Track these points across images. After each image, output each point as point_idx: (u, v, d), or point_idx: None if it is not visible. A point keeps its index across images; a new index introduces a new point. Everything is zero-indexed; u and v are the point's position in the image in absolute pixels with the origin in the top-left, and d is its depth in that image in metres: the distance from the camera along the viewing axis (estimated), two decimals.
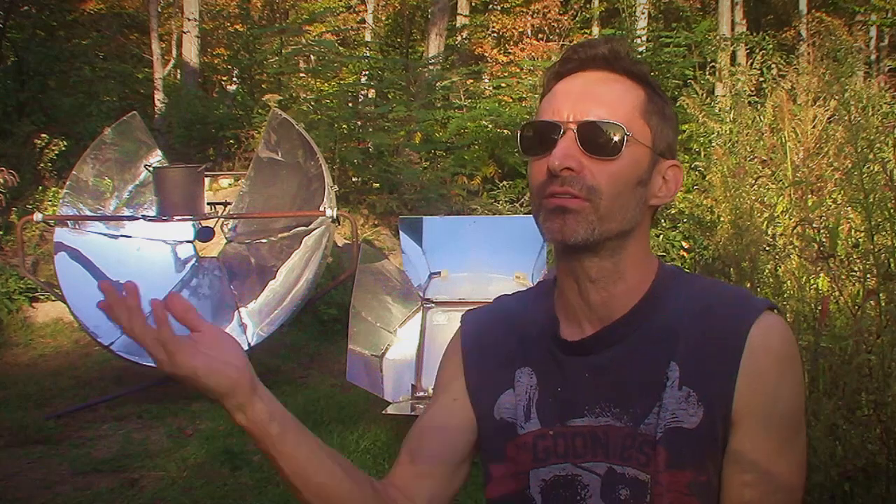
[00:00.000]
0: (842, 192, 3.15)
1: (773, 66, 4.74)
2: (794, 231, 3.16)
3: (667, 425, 0.87)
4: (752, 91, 5.46)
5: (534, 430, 0.94)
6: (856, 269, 2.58)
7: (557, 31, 16.12)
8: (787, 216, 3.56)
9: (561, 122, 0.89)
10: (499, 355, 1.00)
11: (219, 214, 5.39)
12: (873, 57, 13.21)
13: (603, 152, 0.88)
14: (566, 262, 0.94)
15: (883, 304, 2.28)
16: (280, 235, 5.34)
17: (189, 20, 12.18)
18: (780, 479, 0.87)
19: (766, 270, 3.37)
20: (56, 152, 7.42)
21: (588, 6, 16.99)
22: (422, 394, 4.06)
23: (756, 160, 3.94)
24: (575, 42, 1.03)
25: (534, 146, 0.91)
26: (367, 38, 15.89)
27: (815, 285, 2.96)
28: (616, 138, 0.88)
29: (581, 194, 0.87)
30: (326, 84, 11.78)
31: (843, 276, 2.61)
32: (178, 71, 14.71)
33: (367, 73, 12.57)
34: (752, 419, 0.87)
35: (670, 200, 0.98)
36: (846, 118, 2.71)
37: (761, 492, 0.87)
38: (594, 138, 0.88)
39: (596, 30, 16.22)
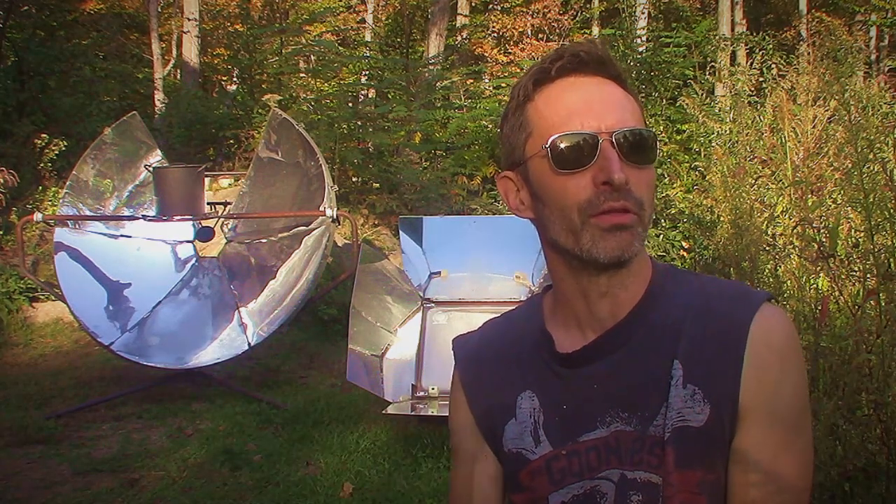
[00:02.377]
0: (842, 192, 3.15)
1: (773, 66, 4.73)
2: (794, 231, 3.16)
3: (674, 425, 0.86)
4: (752, 91, 5.46)
5: (545, 454, 0.92)
6: (856, 269, 2.58)
7: (557, 31, 16.13)
8: (787, 216, 3.56)
9: (597, 132, 0.85)
10: (497, 384, 0.98)
11: (219, 214, 5.38)
12: (873, 57, 13.21)
13: (643, 160, 0.86)
14: (579, 279, 0.91)
15: (883, 304, 2.28)
16: (280, 235, 5.34)
17: (189, 20, 12.19)
18: (785, 479, 0.86)
19: (766, 270, 3.37)
20: (56, 152, 7.42)
21: (588, 6, 17.00)
22: (422, 394, 4.06)
23: (756, 160, 3.94)
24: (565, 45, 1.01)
25: (571, 160, 0.86)
26: (367, 38, 15.89)
27: (815, 285, 2.97)
28: (651, 144, 0.87)
29: (634, 208, 0.85)
30: (326, 84, 11.77)
31: (843, 276, 2.61)
32: (178, 71, 14.72)
33: (367, 73, 12.57)
34: (755, 415, 0.86)
35: None
36: (846, 118, 2.70)
37: (766, 492, 0.85)
38: (635, 147, 0.86)
39: (596, 30, 16.23)
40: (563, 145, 0.86)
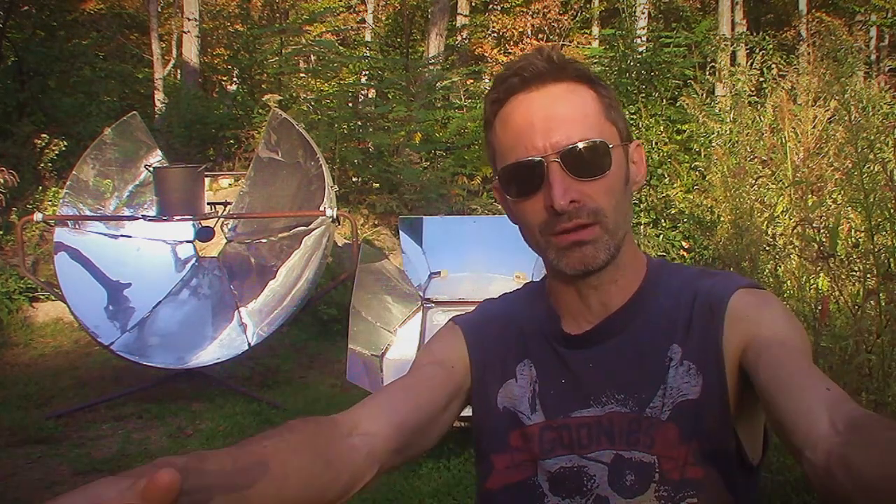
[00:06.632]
0: (842, 192, 3.15)
1: (773, 66, 4.74)
2: (794, 231, 3.16)
3: (674, 402, 0.88)
4: (752, 91, 5.46)
5: (539, 422, 0.94)
6: (856, 269, 2.58)
7: (557, 31, 16.13)
8: (787, 216, 3.57)
9: (541, 156, 0.86)
10: (500, 348, 1.01)
11: (219, 214, 5.38)
12: (873, 57, 13.21)
13: (594, 173, 0.87)
14: (568, 277, 0.94)
15: (883, 304, 2.28)
16: (280, 235, 5.34)
17: (189, 20, 12.19)
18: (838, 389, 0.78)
19: (766, 270, 3.37)
20: (56, 152, 7.42)
21: (588, 6, 17.00)
22: None
23: (756, 160, 3.94)
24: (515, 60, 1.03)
25: (521, 188, 0.89)
26: (367, 38, 15.88)
27: (815, 285, 2.97)
28: (601, 154, 0.88)
29: (589, 220, 0.87)
30: (326, 84, 11.78)
31: (843, 276, 2.61)
32: (178, 71, 14.72)
33: (367, 73, 12.57)
34: (765, 336, 0.85)
35: (644, 179, 0.99)
36: (846, 118, 2.71)
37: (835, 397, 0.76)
38: (581, 163, 0.87)
39: (596, 30, 16.24)
40: (511, 175, 0.89)
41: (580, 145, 0.86)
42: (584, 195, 0.87)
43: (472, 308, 1.09)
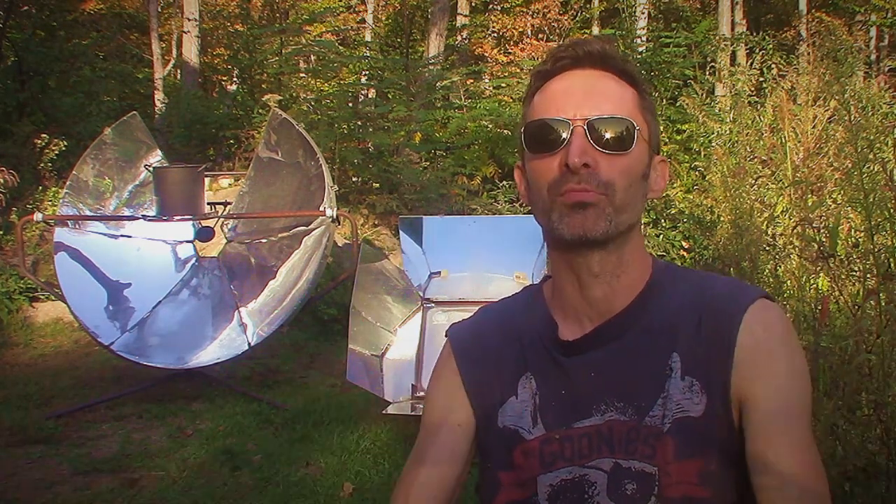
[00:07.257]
0: (842, 192, 3.15)
1: (773, 66, 4.74)
2: (794, 231, 3.16)
3: (674, 416, 0.87)
4: (752, 91, 5.46)
5: (540, 436, 0.94)
6: (856, 269, 2.58)
7: (557, 31, 16.13)
8: (787, 216, 3.56)
9: (569, 119, 0.89)
10: (499, 363, 1.00)
11: (219, 214, 5.38)
12: (873, 57, 13.20)
13: (615, 147, 0.89)
14: (568, 259, 0.94)
15: (883, 304, 2.28)
16: (280, 235, 5.34)
17: (189, 20, 12.19)
18: (806, 482, 0.85)
19: (766, 270, 3.38)
20: (56, 152, 7.41)
21: (588, 6, 17.00)
22: (422, 394, 4.05)
23: (756, 160, 3.94)
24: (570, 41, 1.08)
25: (542, 144, 0.91)
26: (367, 38, 15.89)
27: (815, 285, 2.97)
28: (626, 133, 0.90)
29: (598, 190, 0.88)
30: (326, 84, 11.78)
31: (843, 276, 2.61)
32: (178, 71, 14.73)
33: (367, 73, 12.57)
34: (759, 410, 0.86)
35: (662, 194, 1.00)
36: (846, 118, 2.70)
37: (788, 497, 0.85)
38: (606, 134, 0.89)
39: (596, 29, 16.23)
40: (535, 129, 0.92)
41: (609, 118, 0.89)
42: (599, 165, 0.88)
43: (473, 309, 1.09)
